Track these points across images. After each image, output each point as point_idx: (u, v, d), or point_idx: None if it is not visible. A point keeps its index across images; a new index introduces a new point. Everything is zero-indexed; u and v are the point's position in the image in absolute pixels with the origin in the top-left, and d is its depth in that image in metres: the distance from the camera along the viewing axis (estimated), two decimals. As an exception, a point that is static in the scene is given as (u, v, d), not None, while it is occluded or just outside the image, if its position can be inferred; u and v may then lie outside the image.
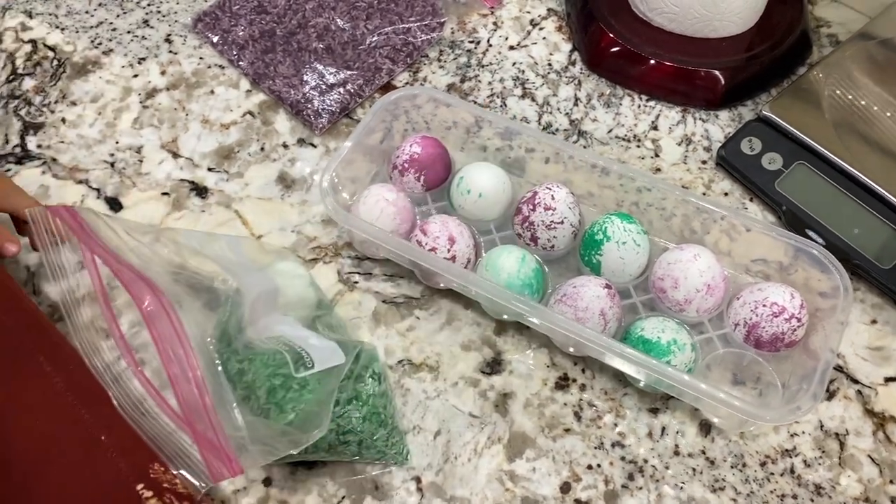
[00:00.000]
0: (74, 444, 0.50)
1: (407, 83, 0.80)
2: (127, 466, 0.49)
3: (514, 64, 0.82)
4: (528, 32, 0.85)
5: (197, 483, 0.46)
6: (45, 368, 0.53)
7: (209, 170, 0.74)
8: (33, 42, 0.83)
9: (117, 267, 0.49)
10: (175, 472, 0.46)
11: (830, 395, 0.62)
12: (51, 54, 0.82)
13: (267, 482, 0.57)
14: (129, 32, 0.84)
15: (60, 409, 0.51)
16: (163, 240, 0.54)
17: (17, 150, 0.75)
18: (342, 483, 0.57)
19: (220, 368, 0.48)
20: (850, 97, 0.73)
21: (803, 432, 0.60)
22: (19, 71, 0.81)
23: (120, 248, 0.51)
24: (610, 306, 0.59)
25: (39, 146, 0.75)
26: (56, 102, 0.79)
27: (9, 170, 0.73)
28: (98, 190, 0.73)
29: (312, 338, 0.54)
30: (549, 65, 0.83)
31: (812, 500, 0.57)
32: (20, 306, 0.58)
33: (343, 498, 0.57)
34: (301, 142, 0.76)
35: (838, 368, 0.63)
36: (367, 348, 0.58)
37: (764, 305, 0.59)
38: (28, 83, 0.80)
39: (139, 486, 0.48)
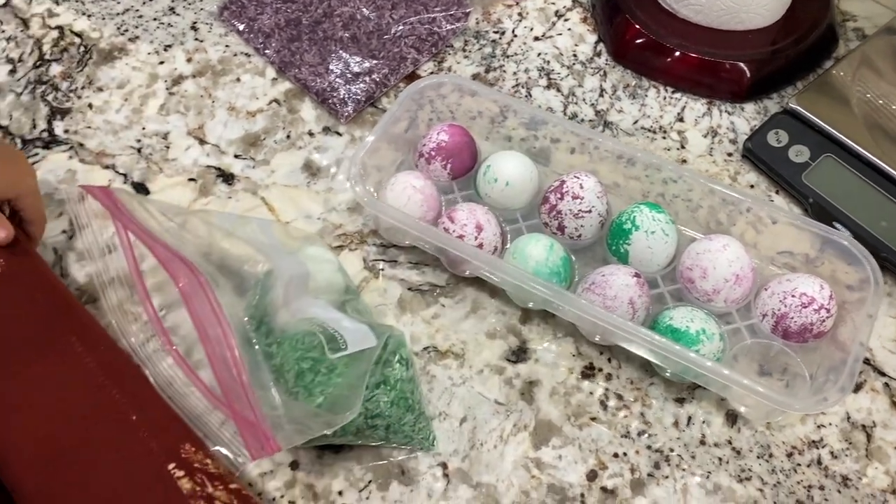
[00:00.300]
0: (106, 423, 0.50)
1: (431, 73, 0.81)
2: (158, 446, 0.50)
3: (539, 54, 0.82)
4: (553, 23, 0.85)
5: (234, 459, 0.47)
6: (76, 349, 0.53)
7: (235, 157, 0.74)
8: (60, 28, 0.84)
9: (153, 244, 0.49)
10: (212, 450, 0.46)
11: (857, 388, 0.62)
12: (77, 40, 0.83)
13: (294, 465, 0.58)
14: (155, 20, 0.85)
15: (92, 389, 0.51)
16: (194, 221, 0.54)
17: (45, 134, 0.76)
18: (369, 467, 0.58)
19: (256, 347, 0.48)
20: (877, 90, 0.73)
21: (830, 424, 0.60)
22: (46, 57, 0.81)
23: (154, 228, 0.52)
24: (639, 295, 0.59)
25: (66, 131, 0.76)
26: (83, 88, 0.79)
27: (36, 154, 0.74)
28: (125, 175, 0.73)
29: (345, 320, 0.54)
30: (575, 56, 0.82)
31: (839, 492, 0.57)
32: (52, 288, 0.59)
33: (369, 482, 0.57)
34: (326, 130, 0.76)
35: (866, 361, 0.63)
36: (395, 333, 0.58)
37: (793, 296, 0.59)
38: (55, 69, 0.80)
39: (170, 466, 0.49)
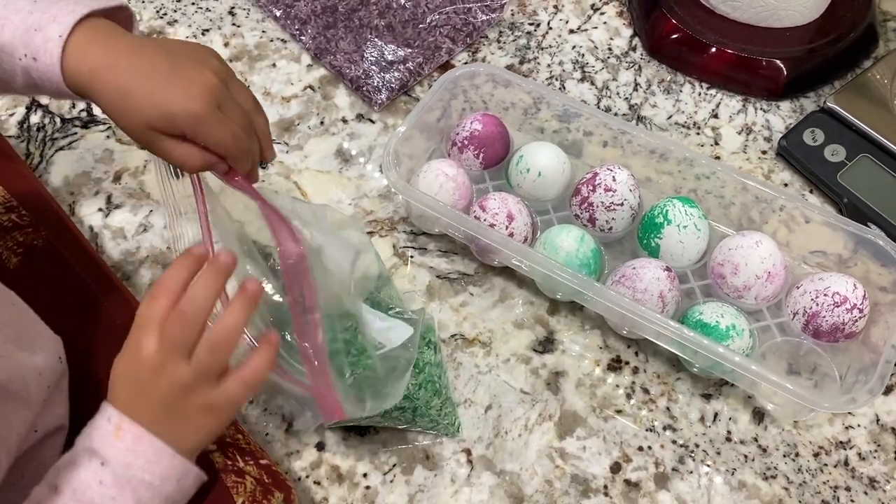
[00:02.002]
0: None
1: (466, 63, 0.81)
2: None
3: (573, 47, 0.82)
4: (589, 17, 0.85)
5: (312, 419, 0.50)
6: (115, 321, 0.54)
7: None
8: (101, 10, 0.85)
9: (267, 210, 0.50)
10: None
11: (888, 390, 0.61)
12: (117, 23, 0.84)
13: (320, 447, 0.58)
14: (193, 4, 0.86)
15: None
16: (230, 200, 0.55)
17: (83, 114, 0.77)
18: (394, 451, 0.58)
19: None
20: (917, 92, 0.72)
21: (858, 425, 0.60)
22: (87, 38, 0.83)
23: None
24: (669, 289, 0.58)
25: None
26: (122, 70, 0.80)
27: (75, 133, 0.75)
28: (160, 156, 0.74)
29: (377, 321, 0.55)
30: (610, 49, 0.82)
31: (866, 493, 0.57)
32: (95, 264, 0.60)
33: (394, 466, 0.58)
34: (360, 117, 0.77)
35: (897, 363, 0.62)
36: (425, 318, 0.58)
37: (825, 295, 0.58)
38: (95, 50, 0.82)
39: (203, 440, 0.50)
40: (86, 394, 0.51)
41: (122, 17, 0.50)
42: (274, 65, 0.81)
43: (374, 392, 0.52)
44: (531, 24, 0.84)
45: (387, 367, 0.53)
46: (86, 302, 0.55)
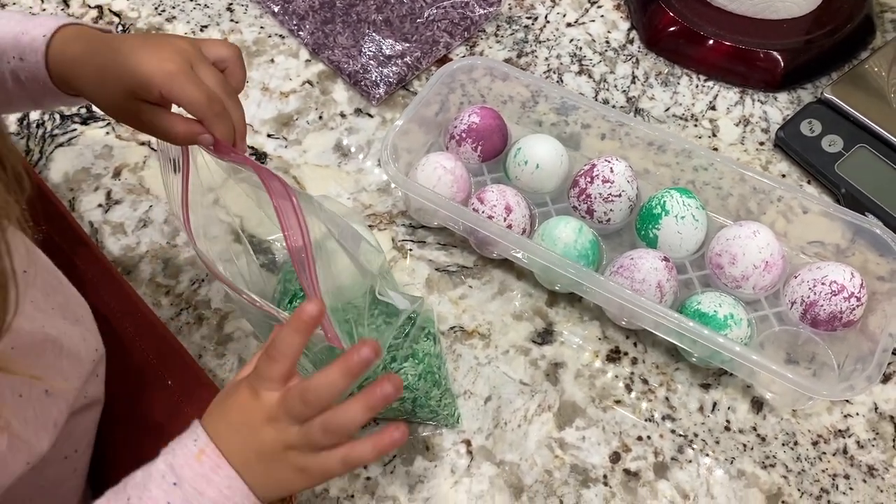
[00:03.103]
0: (145, 386, 0.52)
1: (464, 57, 0.81)
2: (191, 411, 0.51)
3: (571, 41, 0.83)
4: (586, 10, 0.85)
5: None
6: (117, 314, 0.55)
7: (268, 136, 0.75)
8: (99, 8, 0.85)
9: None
10: None
11: (886, 379, 0.61)
12: (116, 20, 0.84)
13: (320, 438, 0.59)
14: (191, 0, 0.86)
15: (131, 352, 0.53)
16: (234, 191, 0.54)
17: (83, 111, 0.77)
18: (394, 442, 0.58)
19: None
20: (914, 82, 0.72)
21: (857, 413, 0.60)
22: (86, 35, 0.83)
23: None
24: (667, 279, 0.59)
25: (104, 108, 0.77)
26: (120, 66, 0.80)
27: (74, 129, 0.75)
28: (160, 152, 0.74)
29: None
30: (607, 42, 0.82)
31: (864, 481, 0.57)
32: (91, 256, 0.60)
33: (394, 457, 0.58)
34: (358, 112, 0.77)
35: (895, 352, 0.62)
36: (424, 307, 0.58)
37: (823, 283, 0.58)
38: (94, 47, 0.82)
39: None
40: None
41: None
42: (272, 60, 0.81)
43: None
44: (529, 18, 0.85)
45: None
46: (87, 296, 0.55)
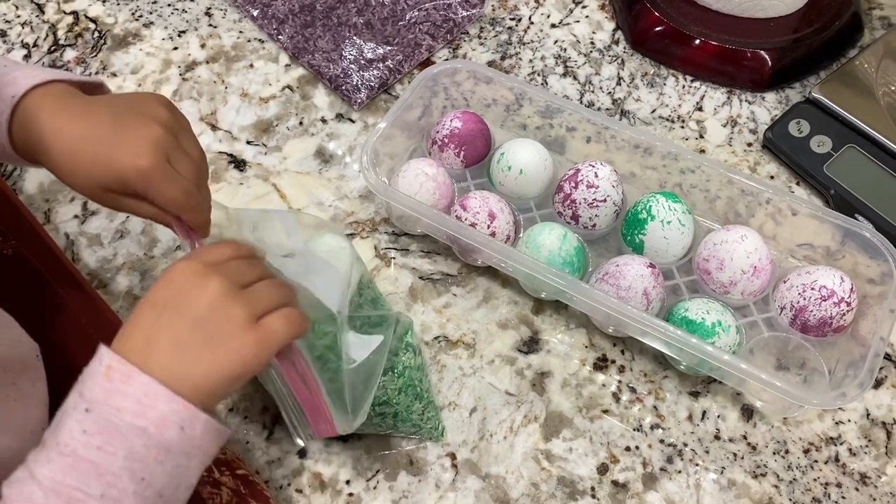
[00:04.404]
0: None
1: (446, 60, 0.79)
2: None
3: (555, 42, 0.81)
4: (571, 11, 0.84)
5: (301, 440, 0.48)
6: (87, 331, 0.53)
7: (248, 143, 0.74)
8: (75, 13, 0.84)
9: None
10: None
11: (878, 384, 0.60)
12: (92, 26, 0.83)
13: (302, 454, 0.57)
14: (169, 5, 0.84)
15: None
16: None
17: (59, 119, 0.75)
18: (377, 457, 0.57)
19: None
20: (903, 80, 0.71)
21: (849, 420, 0.59)
22: (61, 42, 0.81)
23: None
24: (653, 286, 0.57)
25: (80, 116, 0.76)
26: (97, 73, 0.79)
27: (50, 139, 0.74)
28: (137, 161, 0.73)
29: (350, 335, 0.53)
30: (592, 43, 0.81)
31: (857, 489, 0.56)
32: (67, 273, 0.58)
33: (377, 472, 0.56)
34: (339, 117, 0.76)
35: (887, 357, 0.62)
36: (403, 320, 0.57)
37: (812, 289, 0.57)
38: (69, 54, 0.80)
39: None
40: (53, 406, 0.50)
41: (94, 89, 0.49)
42: (251, 65, 0.79)
43: (354, 400, 0.50)
44: (512, 20, 0.83)
45: (365, 375, 0.52)
46: (58, 311, 0.53)
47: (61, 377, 0.51)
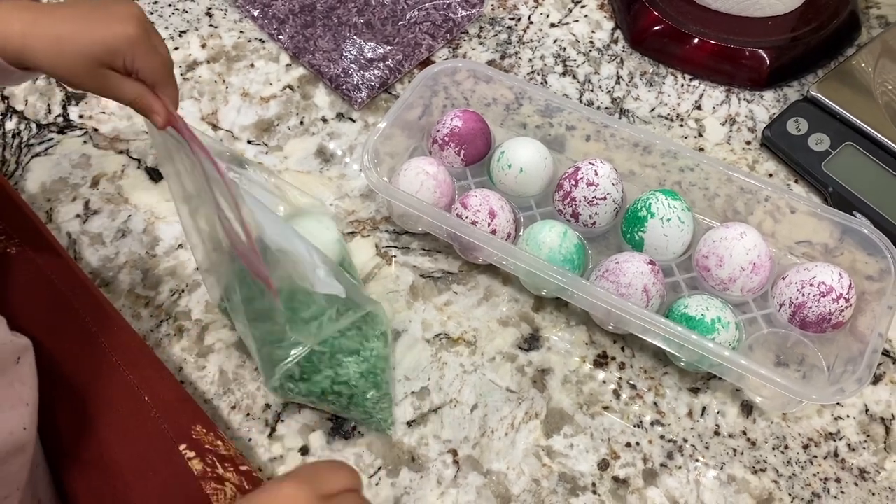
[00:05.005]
0: (120, 402, 0.50)
1: (446, 59, 0.80)
2: (170, 427, 0.50)
3: (555, 41, 0.82)
4: (570, 10, 0.84)
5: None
6: (91, 329, 0.53)
7: (249, 142, 0.74)
8: (76, 14, 0.84)
9: None
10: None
11: (876, 380, 0.61)
12: (93, 26, 0.83)
13: (303, 451, 0.58)
14: (169, 5, 0.85)
15: (106, 368, 0.52)
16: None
17: (60, 119, 0.76)
18: (378, 453, 0.57)
19: None
20: (900, 78, 0.71)
21: (848, 416, 0.59)
22: (62, 42, 0.81)
23: None
24: (653, 283, 0.58)
25: (81, 116, 0.76)
26: (98, 73, 0.79)
27: (51, 139, 0.74)
28: (138, 160, 0.73)
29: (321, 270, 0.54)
30: (591, 42, 0.82)
31: (856, 485, 0.56)
32: (66, 269, 0.59)
33: (379, 468, 0.57)
34: (340, 116, 0.76)
35: (885, 353, 0.62)
36: (377, 310, 0.58)
37: (811, 285, 0.58)
38: (71, 54, 0.80)
39: (182, 447, 0.49)
40: (58, 400, 0.51)
41: None
42: (252, 65, 0.80)
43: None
44: (512, 19, 0.84)
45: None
46: (61, 310, 0.54)
47: (64, 374, 0.52)
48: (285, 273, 0.52)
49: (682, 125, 0.75)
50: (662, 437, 0.58)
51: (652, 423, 0.59)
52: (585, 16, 0.84)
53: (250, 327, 0.53)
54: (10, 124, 0.75)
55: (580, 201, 0.63)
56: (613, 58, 0.80)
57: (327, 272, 0.52)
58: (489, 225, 0.62)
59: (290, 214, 0.63)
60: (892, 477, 0.57)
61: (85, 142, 0.74)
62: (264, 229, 0.50)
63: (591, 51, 0.81)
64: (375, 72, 0.76)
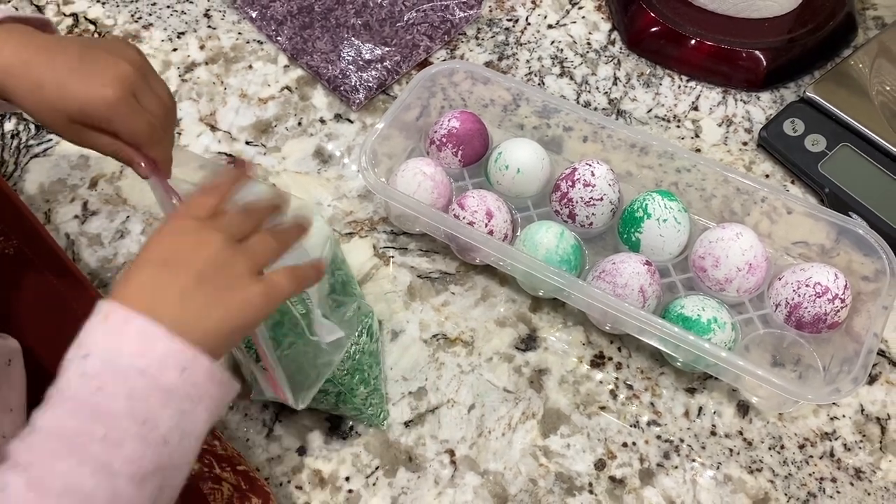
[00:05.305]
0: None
1: (444, 60, 0.80)
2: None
3: (552, 42, 0.82)
4: (567, 11, 0.85)
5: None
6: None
7: (247, 143, 0.74)
8: (74, 15, 0.84)
9: None
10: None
11: (872, 380, 0.61)
12: (91, 28, 0.83)
13: (301, 451, 0.58)
14: (168, 7, 0.85)
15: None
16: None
17: (59, 120, 0.76)
18: (376, 453, 0.57)
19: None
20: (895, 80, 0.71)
21: (843, 416, 0.59)
22: (61, 43, 0.82)
23: None
24: (650, 283, 0.58)
25: (80, 117, 0.76)
26: (96, 75, 0.79)
27: (50, 140, 0.74)
28: (137, 161, 0.73)
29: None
30: (589, 44, 0.82)
31: (852, 484, 0.56)
32: (68, 272, 0.59)
33: (377, 468, 0.57)
34: (338, 117, 0.76)
35: (881, 353, 0.62)
36: (364, 307, 0.58)
37: (807, 286, 0.58)
38: (69, 56, 0.81)
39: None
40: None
41: (43, 26, 0.50)
42: (250, 66, 0.80)
43: (300, 375, 0.52)
44: (509, 21, 0.84)
45: (320, 356, 0.53)
46: (59, 310, 0.54)
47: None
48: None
49: (678, 126, 0.75)
50: (659, 437, 0.58)
51: (648, 423, 0.59)
52: (583, 17, 0.84)
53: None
54: (9, 125, 0.75)
55: (577, 202, 0.63)
56: (610, 59, 0.81)
57: (321, 314, 0.52)
58: (486, 225, 0.62)
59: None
60: (888, 477, 0.57)
61: (83, 143, 0.74)
62: None
63: (588, 52, 0.81)
64: (373, 73, 0.77)
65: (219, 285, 0.38)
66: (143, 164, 0.47)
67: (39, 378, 0.50)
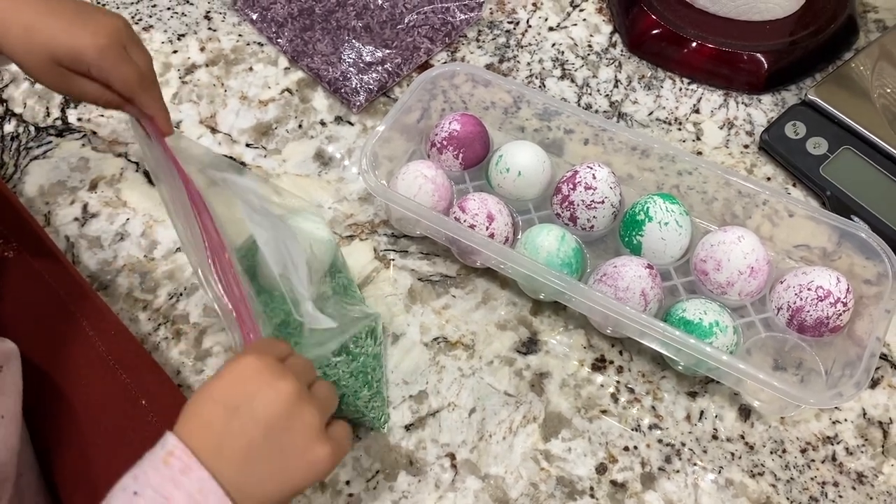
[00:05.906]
0: (118, 405, 0.50)
1: (445, 63, 0.80)
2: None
3: (553, 45, 0.82)
4: (568, 14, 0.85)
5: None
6: (88, 332, 0.53)
7: (247, 146, 0.74)
8: (75, 17, 0.84)
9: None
10: None
11: (874, 384, 0.61)
12: (92, 29, 0.83)
13: (302, 454, 0.57)
14: (168, 9, 0.85)
15: (104, 372, 0.52)
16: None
17: (59, 122, 0.76)
18: (376, 457, 0.57)
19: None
20: (898, 82, 0.71)
21: (846, 420, 0.59)
22: (61, 45, 0.82)
23: None
24: (651, 287, 0.58)
25: (80, 119, 0.76)
26: (97, 77, 0.79)
27: (49, 141, 0.74)
28: (137, 163, 0.73)
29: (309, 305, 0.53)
30: (590, 46, 0.82)
31: (854, 489, 0.56)
32: (67, 274, 0.59)
33: (377, 472, 0.57)
34: (339, 120, 0.76)
35: (883, 357, 0.62)
36: (369, 312, 0.58)
37: (809, 289, 0.58)
38: (69, 57, 0.80)
39: (179, 452, 0.49)
40: (54, 403, 0.50)
41: None
42: (251, 69, 0.80)
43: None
44: (510, 23, 0.84)
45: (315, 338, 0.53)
46: (58, 313, 0.54)
47: (60, 378, 0.51)
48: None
49: (680, 129, 0.75)
50: (660, 440, 0.58)
51: (650, 427, 0.59)
52: (584, 20, 0.84)
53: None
54: (9, 127, 0.75)
55: (578, 205, 0.63)
56: (612, 61, 0.80)
57: (314, 307, 0.51)
58: (487, 228, 0.62)
59: (279, 216, 0.62)
60: (890, 481, 0.57)
61: (83, 145, 0.74)
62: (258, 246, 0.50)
63: (589, 54, 0.81)
64: (374, 75, 0.76)
65: (285, 444, 0.38)
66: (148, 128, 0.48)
67: (39, 380, 0.50)
